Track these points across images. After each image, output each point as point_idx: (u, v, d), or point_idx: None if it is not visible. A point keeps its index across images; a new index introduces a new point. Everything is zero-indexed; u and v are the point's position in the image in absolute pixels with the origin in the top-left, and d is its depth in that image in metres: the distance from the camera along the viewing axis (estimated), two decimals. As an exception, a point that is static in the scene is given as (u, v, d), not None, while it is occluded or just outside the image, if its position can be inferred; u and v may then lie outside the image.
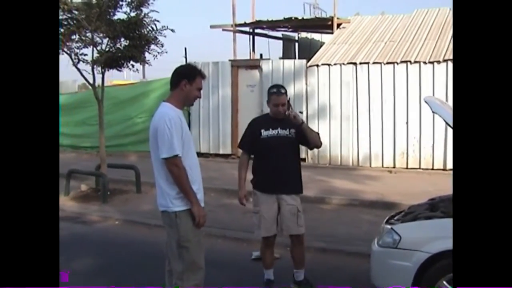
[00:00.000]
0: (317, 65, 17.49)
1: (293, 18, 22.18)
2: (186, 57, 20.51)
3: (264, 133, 7.14)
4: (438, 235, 5.72)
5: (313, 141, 7.28)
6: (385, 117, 16.52)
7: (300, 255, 7.44)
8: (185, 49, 20.76)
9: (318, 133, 7.50)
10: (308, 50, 24.22)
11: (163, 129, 5.53)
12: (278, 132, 7.12)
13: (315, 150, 17.30)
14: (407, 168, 16.26)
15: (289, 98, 7.25)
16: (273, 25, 23.72)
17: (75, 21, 12.91)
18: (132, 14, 13.00)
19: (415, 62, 16.17)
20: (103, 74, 13.59)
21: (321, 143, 7.43)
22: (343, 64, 17.15)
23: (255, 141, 7.20)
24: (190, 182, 5.60)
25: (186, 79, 5.78)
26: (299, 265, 7.47)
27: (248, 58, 23.80)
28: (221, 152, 19.12)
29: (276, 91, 7.06)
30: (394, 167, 16.44)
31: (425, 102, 6.68)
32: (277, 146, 7.10)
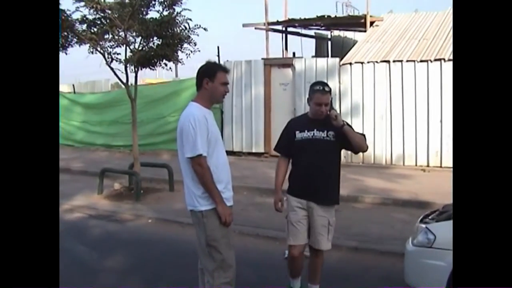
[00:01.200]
0: (350, 64, 17.40)
1: (325, 16, 22.16)
2: (219, 56, 20.54)
3: (298, 135, 6.57)
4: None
5: (358, 145, 6.54)
6: (419, 115, 16.39)
7: (318, 268, 6.87)
8: (218, 47, 20.79)
9: (364, 135, 6.77)
10: (341, 49, 24.15)
11: (187, 128, 5.56)
12: (313, 134, 6.51)
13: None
14: (441, 167, 16.10)
15: (332, 98, 6.66)
16: (305, 23, 23.69)
17: (108, 20, 12.99)
18: (165, 13, 13.02)
19: (449, 60, 15.99)
20: (136, 73, 13.66)
21: (367, 147, 6.70)
22: (377, 62, 17.04)
23: (290, 143, 6.64)
24: (215, 181, 5.60)
25: (207, 77, 5.76)
26: (315, 279, 6.90)
27: (281, 56, 23.77)
28: (254, 150, 19.12)
29: (321, 89, 6.43)
30: (427, 166, 16.30)
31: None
32: (310, 149, 6.49)
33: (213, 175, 5.59)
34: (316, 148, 6.50)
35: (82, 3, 12.50)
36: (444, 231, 6.11)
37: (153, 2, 12.99)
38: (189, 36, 13.15)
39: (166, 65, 13.70)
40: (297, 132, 6.60)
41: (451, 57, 15.99)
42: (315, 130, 6.52)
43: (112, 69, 13.43)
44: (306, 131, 6.55)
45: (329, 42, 27.06)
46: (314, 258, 6.85)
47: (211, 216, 5.65)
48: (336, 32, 26.73)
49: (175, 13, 12.98)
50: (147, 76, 33.82)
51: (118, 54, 13.35)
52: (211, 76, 5.76)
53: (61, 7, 12.23)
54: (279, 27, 24.27)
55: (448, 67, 15.93)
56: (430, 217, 6.69)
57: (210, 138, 5.63)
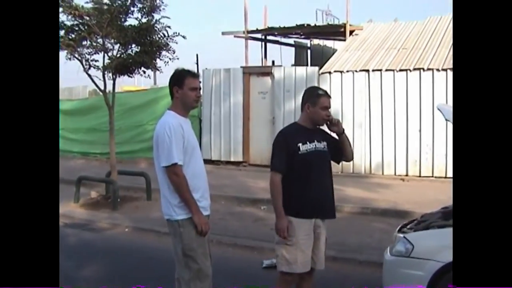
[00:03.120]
0: (330, 72, 17.46)
1: (305, 25, 22.17)
2: (197, 64, 20.56)
3: (302, 147, 6.01)
4: (451, 244, 5.66)
5: (351, 154, 6.35)
6: (398, 124, 16.46)
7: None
8: (197, 55, 20.82)
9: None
10: (321, 57, 24.22)
11: (163, 137, 5.59)
12: (315, 145, 6.07)
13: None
14: (420, 176, 16.18)
15: None
16: (285, 32, 23.72)
17: (86, 27, 12.95)
18: (144, 20, 12.98)
19: (428, 69, 16.12)
20: (114, 80, 13.59)
21: (353, 156, 6.51)
22: (356, 71, 17.12)
23: (292, 158, 5.99)
24: (191, 190, 5.60)
25: (176, 85, 5.78)
26: None
27: (260, 65, 23.81)
28: (232, 159, 19.13)
29: (326, 93, 6.24)
30: (406, 175, 16.37)
31: (438, 109, 6.65)
32: (316, 162, 6.05)
33: (189, 184, 5.59)
34: (321, 160, 6.12)
35: (60, 9, 12.44)
36: (422, 240, 6.15)
37: (131, 9, 12.96)
38: (168, 44, 13.13)
39: (144, 72, 13.64)
40: (299, 144, 6.03)
41: (430, 67, 16.13)
42: (315, 141, 6.11)
43: (89, 76, 13.38)
44: (308, 142, 6.07)
45: (309, 51, 27.12)
46: (308, 278, 6.31)
47: (187, 225, 5.64)
48: (315, 41, 26.79)
49: (154, 20, 12.95)
50: (125, 83, 33.63)
51: (96, 61, 13.31)
52: (179, 83, 5.77)
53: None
54: (259, 36, 24.29)
55: (427, 76, 16.06)
56: (408, 227, 6.73)
57: (187, 146, 5.63)
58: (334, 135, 6.33)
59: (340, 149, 6.27)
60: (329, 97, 6.26)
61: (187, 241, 5.65)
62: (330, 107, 6.22)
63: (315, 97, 6.18)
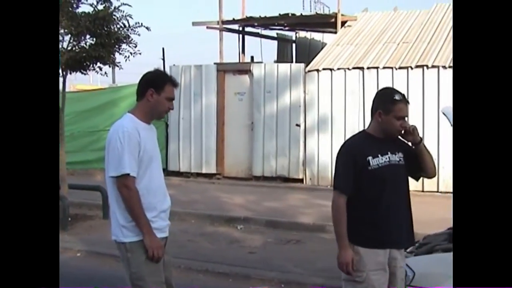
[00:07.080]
0: (318, 70, 17.49)
1: (290, 15, 22.18)
2: (164, 59, 20.52)
3: (373, 161, 5.70)
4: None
5: (431, 168, 6.00)
6: (397, 131, 16.43)
7: None
8: (163, 49, 20.79)
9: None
10: (307, 52, 24.27)
11: (114, 143, 5.49)
12: (389, 158, 5.77)
13: (314, 168, 17.31)
14: (422, 191, 16.10)
15: None
16: (266, 22, 23.72)
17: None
18: (100, 6, 12.90)
19: (433, 66, 16.15)
20: (64, 77, 13.52)
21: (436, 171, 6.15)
22: (348, 69, 17.15)
23: (360, 174, 5.69)
24: (145, 208, 5.45)
25: (153, 87, 5.61)
26: None
27: (237, 61, 23.78)
28: (204, 171, 19.09)
29: (403, 98, 5.84)
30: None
31: (443, 113, 6.65)
32: (391, 179, 5.77)
33: (142, 201, 5.45)
34: (396, 176, 5.83)
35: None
36: (425, 266, 6.15)
37: (85, -7, 12.92)
38: (129, 36, 13.08)
39: (100, 69, 13.60)
40: (369, 158, 5.72)
41: (436, 63, 16.15)
42: (388, 152, 5.80)
43: (35, 72, 13.30)
44: (379, 155, 5.76)
45: (294, 45, 27.16)
46: None
47: (136, 249, 5.49)
48: (302, 33, 26.82)
49: (112, 7, 12.88)
50: (78, 81, 33.58)
51: (42, 54, 13.20)
52: (159, 87, 5.61)
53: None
54: (235, 27, 24.27)
55: (432, 74, 16.08)
56: (408, 250, 6.72)
57: (142, 156, 5.52)
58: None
59: (419, 162, 5.93)
60: (407, 103, 5.91)
61: (135, 268, 5.51)
62: (407, 116, 5.91)
63: (389, 103, 5.85)
